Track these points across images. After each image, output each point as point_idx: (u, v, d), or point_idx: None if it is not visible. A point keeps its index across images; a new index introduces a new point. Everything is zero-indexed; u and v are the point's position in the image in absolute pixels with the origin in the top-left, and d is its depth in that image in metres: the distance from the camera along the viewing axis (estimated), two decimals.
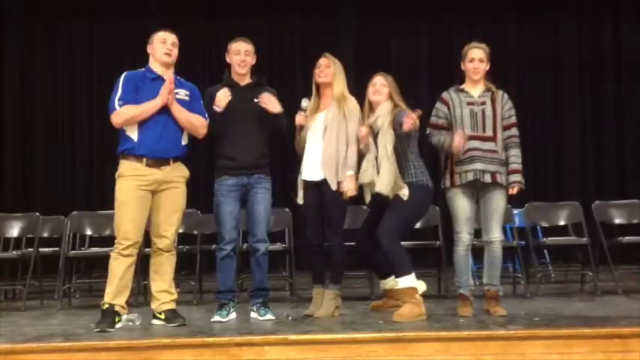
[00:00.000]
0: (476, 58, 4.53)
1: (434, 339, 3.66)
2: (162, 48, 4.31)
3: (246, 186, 4.50)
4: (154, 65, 4.35)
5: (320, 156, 4.53)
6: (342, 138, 4.52)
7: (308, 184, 4.60)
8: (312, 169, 4.58)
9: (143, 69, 4.37)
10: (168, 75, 4.29)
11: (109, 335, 3.90)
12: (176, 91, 4.32)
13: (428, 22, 9.75)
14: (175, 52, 4.36)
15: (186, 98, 4.37)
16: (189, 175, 4.42)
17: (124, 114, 4.18)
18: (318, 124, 4.58)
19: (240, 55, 4.57)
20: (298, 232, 5.28)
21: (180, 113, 4.28)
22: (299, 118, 4.60)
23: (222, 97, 4.44)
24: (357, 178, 4.51)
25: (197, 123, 4.37)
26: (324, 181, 4.51)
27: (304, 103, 4.62)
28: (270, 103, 4.48)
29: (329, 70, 4.60)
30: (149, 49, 4.38)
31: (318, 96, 4.68)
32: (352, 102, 4.62)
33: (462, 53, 4.61)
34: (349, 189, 4.47)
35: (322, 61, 4.65)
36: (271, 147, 4.64)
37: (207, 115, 4.45)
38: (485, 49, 4.58)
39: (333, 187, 4.48)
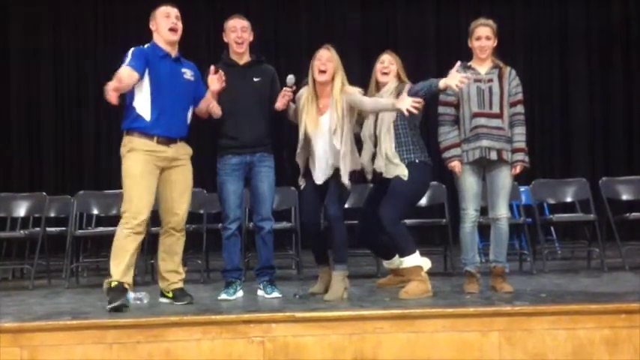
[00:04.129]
0: (482, 36, 4.48)
1: (440, 315, 3.67)
2: (167, 22, 4.21)
3: (250, 164, 4.48)
4: (159, 41, 4.25)
5: (331, 157, 4.36)
6: (349, 134, 4.39)
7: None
8: (321, 172, 4.42)
9: (148, 45, 4.27)
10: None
11: (117, 313, 3.90)
12: (183, 70, 4.29)
13: None
14: (180, 25, 4.27)
15: (192, 79, 4.34)
16: (194, 154, 4.41)
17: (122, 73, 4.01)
18: (323, 126, 4.38)
19: (237, 32, 4.50)
20: None
21: (206, 103, 4.35)
22: (287, 97, 4.43)
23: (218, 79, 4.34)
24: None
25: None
26: (334, 173, 4.38)
27: (290, 81, 4.40)
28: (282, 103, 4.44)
29: (330, 65, 4.34)
30: (152, 26, 4.27)
31: (315, 93, 4.41)
32: (351, 92, 4.39)
33: (469, 30, 4.56)
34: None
35: (323, 53, 4.38)
36: (273, 125, 4.59)
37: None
38: (492, 26, 4.52)
39: (345, 179, 4.32)
